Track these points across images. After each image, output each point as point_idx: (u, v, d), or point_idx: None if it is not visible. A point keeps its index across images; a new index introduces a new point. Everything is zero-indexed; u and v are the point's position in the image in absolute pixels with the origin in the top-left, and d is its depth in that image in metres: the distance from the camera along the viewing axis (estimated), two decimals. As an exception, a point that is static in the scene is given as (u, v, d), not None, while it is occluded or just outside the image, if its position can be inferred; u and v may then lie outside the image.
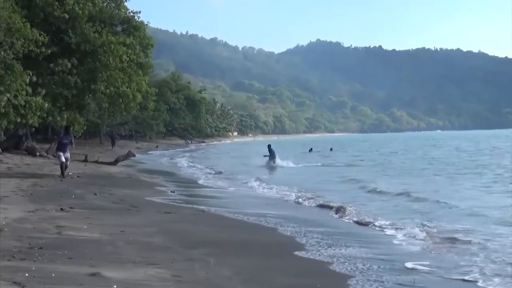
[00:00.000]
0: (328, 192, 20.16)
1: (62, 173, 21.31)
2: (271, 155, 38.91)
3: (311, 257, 8.92)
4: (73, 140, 23.15)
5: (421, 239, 10.74)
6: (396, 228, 12.03)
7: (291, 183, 23.32)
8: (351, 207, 15.53)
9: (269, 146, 39.89)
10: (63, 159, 21.47)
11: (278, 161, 38.23)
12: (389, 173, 30.70)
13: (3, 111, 24.56)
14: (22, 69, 24.78)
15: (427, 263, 8.61)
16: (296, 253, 9.13)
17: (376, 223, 12.71)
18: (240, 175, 28.98)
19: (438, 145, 78.07)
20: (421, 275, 7.88)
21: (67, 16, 29.09)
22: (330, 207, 15.71)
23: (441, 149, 65.97)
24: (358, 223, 13.05)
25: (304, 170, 34.01)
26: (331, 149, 66.01)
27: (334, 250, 9.44)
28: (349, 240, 10.40)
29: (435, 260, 8.87)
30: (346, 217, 13.94)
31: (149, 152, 58.66)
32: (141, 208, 13.49)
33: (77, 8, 29.28)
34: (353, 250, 9.46)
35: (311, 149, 64.08)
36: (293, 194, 19.39)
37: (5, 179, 18.24)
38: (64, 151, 21.79)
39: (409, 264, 8.46)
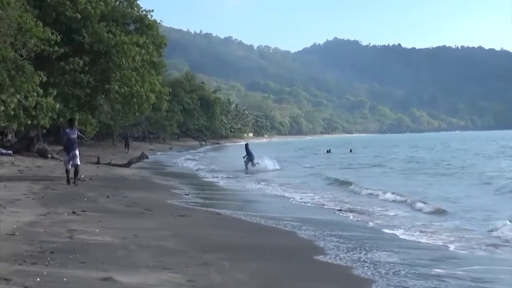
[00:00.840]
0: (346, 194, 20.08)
1: (68, 179, 18.98)
2: (249, 155, 35.95)
3: (331, 261, 8.83)
4: (78, 132, 20.38)
5: (452, 244, 10.63)
6: (421, 232, 11.95)
7: (309, 186, 23.24)
8: (372, 209, 15.44)
9: (246, 146, 37.35)
10: (69, 166, 19.12)
11: (256, 162, 35.51)
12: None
13: (13, 113, 24.71)
14: (33, 70, 24.90)
15: (457, 270, 8.51)
16: (316, 257, 9.06)
17: (401, 228, 12.62)
18: (256, 176, 29.07)
19: (432, 147, 77.31)
20: (447, 281, 7.78)
21: (79, 16, 29.24)
22: (351, 210, 15.64)
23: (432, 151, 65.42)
24: (381, 226, 12.95)
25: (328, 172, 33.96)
26: (350, 151, 65.87)
27: (355, 254, 9.34)
28: (371, 244, 10.30)
29: (465, 267, 8.76)
30: (368, 221, 13.84)
31: (162, 154, 58.77)
32: (155, 211, 13.49)
33: (89, 8, 29.45)
34: (375, 254, 9.35)
35: (329, 150, 64.09)
36: (315, 197, 19.35)
37: (17, 182, 18.33)
38: (72, 150, 19.19)
39: (436, 270, 8.36)
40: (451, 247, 10.38)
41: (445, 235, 11.58)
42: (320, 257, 9.06)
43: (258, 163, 35.48)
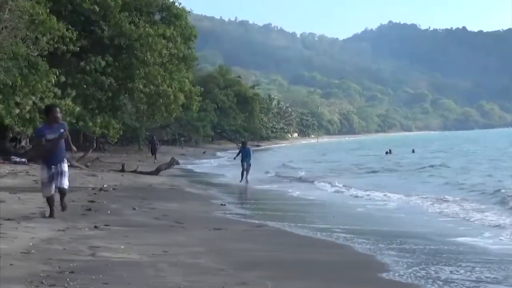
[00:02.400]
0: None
1: (51, 211, 13.24)
2: (247, 157, 30.57)
3: (398, 279, 8.69)
4: (67, 132, 13.01)
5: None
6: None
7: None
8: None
9: (243, 143, 33.16)
10: (51, 191, 13.11)
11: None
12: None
13: (28, 117, 25.08)
14: (47, 68, 25.23)
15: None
16: (379, 274, 8.95)
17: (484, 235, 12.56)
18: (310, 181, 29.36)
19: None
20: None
21: (97, 9, 29.52)
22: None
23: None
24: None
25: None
26: (413, 151, 66.36)
27: (428, 269, 9.21)
28: (447, 258, 10.21)
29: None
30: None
31: (195, 161, 58.90)
32: (187, 224, 13.54)
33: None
34: (453, 270, 9.21)
35: (390, 150, 63.94)
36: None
37: (32, 193, 18.52)
38: (55, 161, 12.98)
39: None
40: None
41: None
42: (384, 275, 8.95)
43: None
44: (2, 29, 22.35)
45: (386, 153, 62.75)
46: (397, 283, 8.52)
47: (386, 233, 13.26)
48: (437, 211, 17.87)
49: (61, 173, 12.96)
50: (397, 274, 8.92)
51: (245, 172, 29.92)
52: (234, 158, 32.67)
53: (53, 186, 13.01)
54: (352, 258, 10.36)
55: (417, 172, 35.35)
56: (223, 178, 33.34)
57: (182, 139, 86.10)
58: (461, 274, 8.91)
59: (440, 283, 8.37)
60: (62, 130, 12.72)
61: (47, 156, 12.94)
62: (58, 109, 13.21)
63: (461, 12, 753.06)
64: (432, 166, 39.71)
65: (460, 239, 12.39)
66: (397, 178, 32.22)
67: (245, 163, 29.99)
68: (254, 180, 30.33)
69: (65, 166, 13.09)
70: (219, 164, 52.10)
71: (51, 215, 13.17)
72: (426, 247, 11.35)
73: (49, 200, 13.22)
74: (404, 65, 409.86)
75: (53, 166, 12.87)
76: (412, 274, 8.89)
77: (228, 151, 79.08)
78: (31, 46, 24.26)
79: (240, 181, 29.32)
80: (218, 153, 74.90)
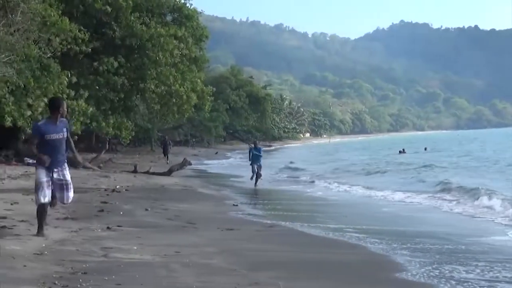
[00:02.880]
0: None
1: (40, 225, 10.75)
2: (258, 158, 28.80)
3: (415, 279, 8.62)
4: (70, 130, 11.16)
5: None
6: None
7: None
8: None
9: (255, 143, 30.61)
10: (46, 199, 10.58)
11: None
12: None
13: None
14: (60, 69, 25.32)
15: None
16: (396, 274, 8.90)
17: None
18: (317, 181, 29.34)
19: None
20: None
21: (109, 9, 29.62)
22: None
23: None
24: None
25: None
26: (425, 149, 66.59)
27: (445, 268, 9.18)
28: (464, 256, 10.18)
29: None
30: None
31: (207, 161, 58.96)
32: (199, 225, 13.55)
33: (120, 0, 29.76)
34: (474, 269, 9.15)
35: (403, 150, 64.18)
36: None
37: (45, 195, 18.60)
38: (57, 164, 10.67)
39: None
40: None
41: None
42: (401, 275, 8.91)
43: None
44: (14, 31, 22.42)
45: (400, 152, 62.94)
46: (409, 282, 8.50)
47: (414, 234, 13.23)
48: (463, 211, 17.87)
49: (65, 185, 10.59)
50: (411, 274, 8.89)
51: (255, 175, 28.03)
52: (249, 160, 29.09)
53: (50, 192, 10.47)
54: (367, 258, 10.33)
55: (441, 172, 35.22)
56: (237, 179, 33.32)
57: (194, 139, 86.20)
58: (477, 273, 8.90)
59: (457, 282, 8.36)
60: (65, 129, 10.51)
61: (47, 154, 10.24)
62: (63, 103, 10.75)
63: (473, 10, 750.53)
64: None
65: (484, 239, 12.33)
66: (414, 177, 32.02)
67: (255, 165, 28.22)
68: (268, 181, 30.37)
69: (68, 173, 10.67)
70: (230, 164, 52.16)
71: (39, 231, 10.62)
72: (458, 246, 11.34)
73: (41, 210, 10.56)
74: (416, 64, 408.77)
75: (54, 170, 10.46)
76: (429, 274, 8.87)
77: (235, 151, 79.16)
78: (44, 48, 24.34)
79: (255, 186, 27.42)
80: (229, 154, 74.87)
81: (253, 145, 29.92)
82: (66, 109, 10.81)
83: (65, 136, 10.46)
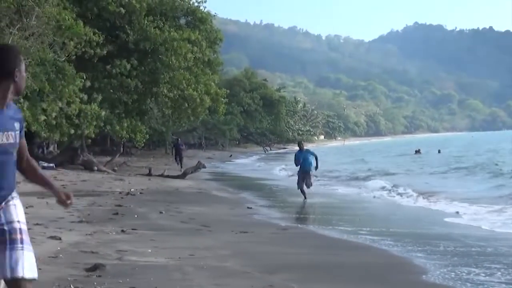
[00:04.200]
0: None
1: None
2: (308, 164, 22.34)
3: (440, 282, 8.54)
4: (23, 122, 4.64)
5: None
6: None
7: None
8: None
9: (299, 144, 23.77)
10: None
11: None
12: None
13: (55, 123, 25.23)
14: (74, 72, 25.40)
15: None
16: (423, 277, 8.84)
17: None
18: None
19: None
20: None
21: (123, 11, 29.72)
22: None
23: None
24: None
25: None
26: (439, 151, 67.71)
27: (469, 272, 9.11)
28: (489, 259, 10.10)
29: None
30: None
31: (221, 166, 58.97)
32: (214, 228, 13.55)
33: (134, 1, 29.84)
34: (496, 273, 9.02)
35: (419, 150, 64.96)
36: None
37: (60, 198, 18.64)
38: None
39: None
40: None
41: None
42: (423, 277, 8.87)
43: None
44: (29, 35, 22.54)
45: (416, 152, 63.98)
46: (433, 284, 8.47)
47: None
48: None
49: (10, 241, 4.32)
50: (435, 277, 8.86)
51: (305, 186, 22.04)
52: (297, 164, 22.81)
53: None
54: (387, 260, 10.29)
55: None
56: (258, 181, 33.31)
57: (209, 142, 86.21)
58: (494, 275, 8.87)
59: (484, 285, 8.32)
60: (18, 125, 4.53)
61: None
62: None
63: (487, 12, 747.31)
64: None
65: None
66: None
67: (304, 174, 22.19)
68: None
69: (18, 213, 4.48)
70: (245, 167, 52.14)
71: None
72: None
73: None
74: (430, 66, 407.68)
75: None
76: (454, 277, 8.83)
77: (246, 155, 79.19)
78: (58, 52, 24.43)
79: (304, 200, 21.53)
80: (242, 156, 75.00)
81: (298, 147, 23.48)
82: (23, 77, 4.45)
83: (17, 140, 4.50)
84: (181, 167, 37.29)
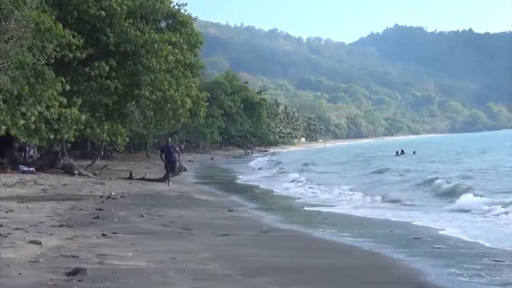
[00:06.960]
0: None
1: None
2: None
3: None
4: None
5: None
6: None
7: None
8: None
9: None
10: None
11: None
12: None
13: (34, 127, 25.06)
14: (54, 76, 25.27)
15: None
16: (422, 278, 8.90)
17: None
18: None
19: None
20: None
21: (104, 14, 29.62)
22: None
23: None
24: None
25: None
26: (414, 152, 68.14)
27: (463, 276, 9.17)
28: (483, 263, 10.20)
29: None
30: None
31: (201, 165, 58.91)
32: (195, 231, 13.56)
33: (115, 4, 29.74)
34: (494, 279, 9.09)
35: (402, 151, 65.61)
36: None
37: (40, 202, 18.60)
38: None
39: None
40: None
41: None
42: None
43: None
44: (8, 38, 22.38)
45: (397, 154, 64.40)
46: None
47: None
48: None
49: None
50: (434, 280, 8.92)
51: None
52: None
53: None
54: (377, 263, 10.34)
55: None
56: (232, 183, 33.31)
57: (190, 145, 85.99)
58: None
59: None
60: None
61: None
62: None
63: (467, 14, 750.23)
64: None
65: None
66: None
67: None
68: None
69: None
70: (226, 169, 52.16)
71: None
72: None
73: None
74: (411, 68, 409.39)
75: None
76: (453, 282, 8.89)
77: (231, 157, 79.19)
78: (38, 55, 24.26)
79: None
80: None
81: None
82: None
83: None
84: (171, 176, 30.49)
